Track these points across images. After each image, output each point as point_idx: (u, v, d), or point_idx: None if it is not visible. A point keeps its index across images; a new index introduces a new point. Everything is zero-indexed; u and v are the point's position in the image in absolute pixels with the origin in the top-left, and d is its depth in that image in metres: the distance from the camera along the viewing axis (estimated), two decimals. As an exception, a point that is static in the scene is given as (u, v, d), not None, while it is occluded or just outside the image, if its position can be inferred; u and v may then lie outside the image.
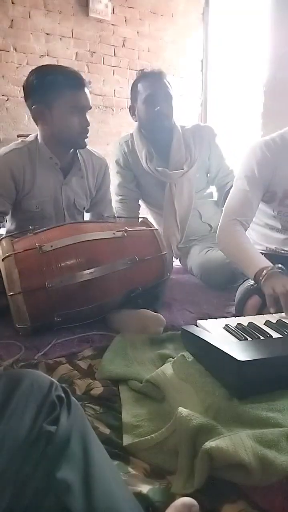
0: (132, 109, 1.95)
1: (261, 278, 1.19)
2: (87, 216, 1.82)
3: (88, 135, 1.52)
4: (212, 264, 1.81)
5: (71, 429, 0.51)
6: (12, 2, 3.48)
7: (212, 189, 2.16)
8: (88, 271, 1.24)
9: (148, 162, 1.91)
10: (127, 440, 0.80)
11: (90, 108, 1.51)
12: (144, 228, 1.44)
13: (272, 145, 1.39)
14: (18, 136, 3.33)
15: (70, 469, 0.47)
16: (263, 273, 1.19)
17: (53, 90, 1.44)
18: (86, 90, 1.48)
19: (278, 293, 1.11)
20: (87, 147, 1.70)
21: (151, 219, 2.11)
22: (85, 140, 1.54)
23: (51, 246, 1.24)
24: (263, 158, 1.38)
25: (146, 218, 1.51)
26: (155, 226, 2.03)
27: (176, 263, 2.14)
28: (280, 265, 1.21)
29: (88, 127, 1.51)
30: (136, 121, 1.96)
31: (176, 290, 1.79)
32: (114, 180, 2.03)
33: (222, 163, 2.06)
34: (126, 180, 2.02)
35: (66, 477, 0.46)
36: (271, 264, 1.22)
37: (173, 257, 2.03)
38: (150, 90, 1.83)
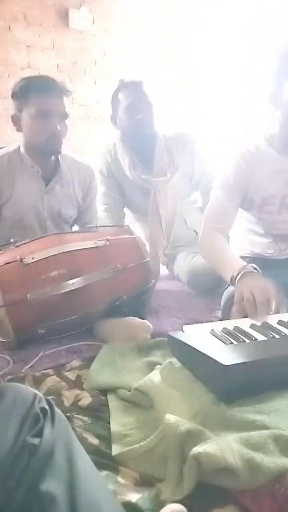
0: (113, 119, 1.96)
1: (235, 282, 1.19)
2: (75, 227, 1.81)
3: (59, 141, 1.51)
4: (198, 270, 1.82)
5: (55, 440, 0.51)
6: (-8, 16, 3.49)
7: (197, 195, 2.18)
8: (70, 282, 1.23)
9: (131, 170, 1.92)
10: (116, 449, 0.80)
11: (64, 114, 1.51)
12: (126, 236, 1.44)
13: (247, 154, 1.41)
14: (0, 148, 3.33)
15: (55, 481, 0.47)
16: (237, 276, 1.19)
17: (22, 95, 1.48)
18: (58, 96, 1.48)
19: (245, 299, 1.10)
20: (73, 156, 1.71)
21: (136, 227, 2.12)
22: (57, 146, 1.53)
23: (32, 258, 1.24)
24: (238, 167, 1.41)
25: (128, 226, 1.51)
26: (141, 234, 2.04)
27: (163, 270, 2.15)
28: (253, 265, 1.22)
29: (59, 133, 1.50)
30: (118, 130, 1.98)
31: (163, 296, 1.80)
32: (98, 189, 2.03)
33: (205, 169, 2.08)
34: (110, 189, 2.03)
35: (50, 489, 0.46)
36: (243, 265, 1.21)
37: (160, 263, 2.04)
38: (130, 99, 1.85)
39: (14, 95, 1.51)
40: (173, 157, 1.95)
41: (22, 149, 1.58)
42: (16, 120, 1.55)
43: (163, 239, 1.99)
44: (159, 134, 1.96)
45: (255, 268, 1.21)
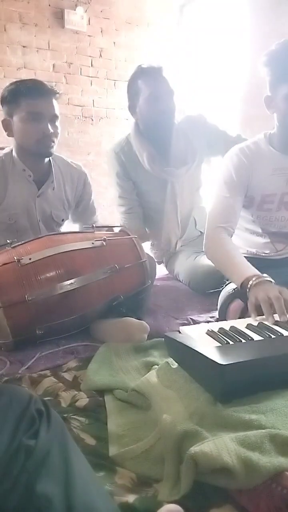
0: (132, 108, 1.87)
1: (248, 287, 1.18)
2: (67, 228, 1.80)
3: (51, 142, 1.51)
4: (200, 271, 1.79)
5: (51, 442, 0.51)
6: (-13, 16, 3.49)
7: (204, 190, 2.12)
8: (68, 282, 1.23)
9: (151, 164, 1.86)
10: (113, 450, 0.80)
11: (55, 116, 1.51)
12: (123, 236, 1.44)
13: (247, 151, 1.41)
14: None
15: (51, 482, 0.47)
16: (250, 283, 1.18)
17: (13, 100, 1.48)
18: (48, 98, 1.48)
19: (259, 299, 1.10)
20: (66, 158, 1.71)
21: (146, 221, 2.07)
22: (49, 148, 1.52)
23: (30, 259, 1.23)
24: (239, 163, 1.41)
25: (125, 226, 1.51)
26: (152, 226, 2.02)
27: (161, 270, 2.15)
28: (266, 275, 1.21)
29: (52, 135, 1.50)
30: (136, 119, 1.89)
31: (160, 296, 1.80)
32: (114, 191, 2.02)
33: (225, 135, 1.94)
34: (127, 191, 1.97)
35: (46, 490, 0.46)
36: (258, 273, 1.21)
37: (158, 261, 2.02)
38: (152, 88, 1.76)
39: (4, 101, 1.51)
40: (190, 143, 1.89)
41: (14, 154, 1.58)
42: (6, 126, 1.54)
43: (178, 230, 1.97)
44: (175, 110, 1.86)
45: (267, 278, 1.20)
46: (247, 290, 1.18)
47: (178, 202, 1.93)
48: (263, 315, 1.09)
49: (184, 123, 1.92)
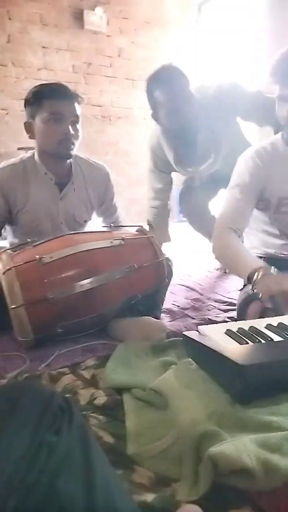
0: (156, 118, 1.89)
1: (254, 278, 1.19)
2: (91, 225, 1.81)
3: (71, 144, 1.52)
4: None
5: (73, 439, 0.51)
6: (9, 18, 3.55)
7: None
8: (88, 281, 1.24)
9: (177, 164, 1.94)
10: (131, 449, 0.80)
11: (76, 117, 1.52)
12: (140, 235, 1.45)
13: (263, 154, 1.39)
14: (19, 149, 3.37)
15: (73, 479, 0.47)
16: (256, 274, 1.19)
17: (35, 102, 1.50)
18: (70, 100, 1.50)
19: (274, 291, 1.11)
20: (88, 158, 1.71)
21: None
22: (69, 150, 1.53)
23: (51, 257, 1.25)
24: (254, 167, 1.39)
25: (142, 226, 1.52)
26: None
27: (176, 270, 2.14)
28: (273, 267, 1.22)
29: (72, 137, 1.51)
30: (160, 126, 1.91)
31: (177, 296, 1.80)
32: (152, 185, 2.10)
33: (256, 104, 1.85)
34: (167, 183, 2.08)
35: (68, 487, 0.46)
36: (264, 265, 1.22)
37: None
38: (170, 103, 1.74)
39: (27, 102, 1.53)
40: (213, 133, 1.84)
41: (36, 157, 1.59)
42: (29, 127, 1.56)
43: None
44: (198, 110, 1.79)
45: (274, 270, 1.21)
46: (253, 282, 1.18)
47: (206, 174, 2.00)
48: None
49: (210, 105, 1.81)
